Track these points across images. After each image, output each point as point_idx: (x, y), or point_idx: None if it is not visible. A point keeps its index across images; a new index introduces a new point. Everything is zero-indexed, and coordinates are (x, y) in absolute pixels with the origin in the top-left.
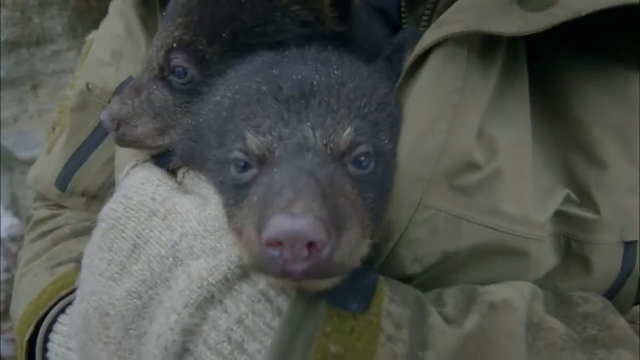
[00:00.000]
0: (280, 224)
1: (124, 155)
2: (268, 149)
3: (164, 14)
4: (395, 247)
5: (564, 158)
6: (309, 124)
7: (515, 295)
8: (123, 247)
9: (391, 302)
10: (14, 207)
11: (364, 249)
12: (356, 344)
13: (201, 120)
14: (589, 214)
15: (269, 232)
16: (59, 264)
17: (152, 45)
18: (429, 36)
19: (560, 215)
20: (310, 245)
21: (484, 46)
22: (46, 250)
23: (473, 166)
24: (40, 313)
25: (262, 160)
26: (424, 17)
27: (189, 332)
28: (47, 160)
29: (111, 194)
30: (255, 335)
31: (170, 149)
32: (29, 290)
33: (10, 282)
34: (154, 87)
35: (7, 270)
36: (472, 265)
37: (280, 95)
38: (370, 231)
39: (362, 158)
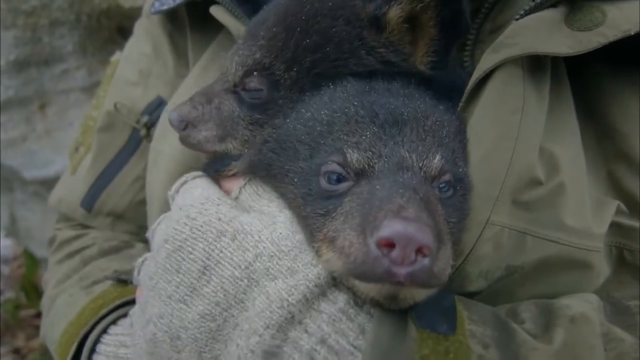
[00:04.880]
0: (396, 225)
1: (158, 174)
2: (368, 164)
3: (246, 28)
4: (462, 264)
5: (608, 170)
6: (405, 147)
7: (589, 308)
8: (192, 268)
9: (471, 323)
10: (13, 228)
11: (450, 269)
12: None
13: (287, 133)
14: None
15: (385, 232)
16: (95, 283)
17: (231, 58)
18: (488, 60)
19: (612, 226)
20: (419, 250)
21: (534, 67)
22: (76, 270)
23: (536, 182)
24: (82, 333)
25: (361, 174)
26: (467, 46)
27: (270, 354)
28: (71, 181)
29: (139, 212)
30: (339, 355)
31: (223, 156)
32: (66, 311)
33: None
34: (225, 97)
35: None
36: (537, 278)
37: (377, 120)
38: (453, 252)
39: (443, 184)
